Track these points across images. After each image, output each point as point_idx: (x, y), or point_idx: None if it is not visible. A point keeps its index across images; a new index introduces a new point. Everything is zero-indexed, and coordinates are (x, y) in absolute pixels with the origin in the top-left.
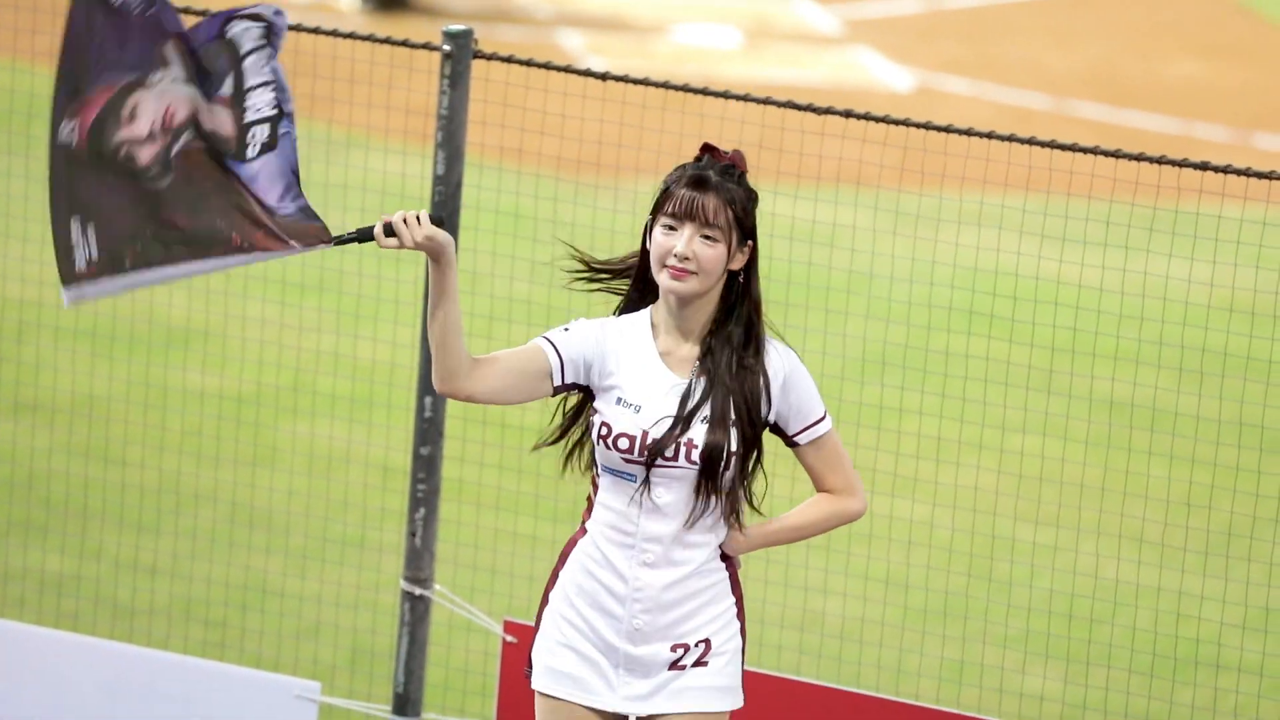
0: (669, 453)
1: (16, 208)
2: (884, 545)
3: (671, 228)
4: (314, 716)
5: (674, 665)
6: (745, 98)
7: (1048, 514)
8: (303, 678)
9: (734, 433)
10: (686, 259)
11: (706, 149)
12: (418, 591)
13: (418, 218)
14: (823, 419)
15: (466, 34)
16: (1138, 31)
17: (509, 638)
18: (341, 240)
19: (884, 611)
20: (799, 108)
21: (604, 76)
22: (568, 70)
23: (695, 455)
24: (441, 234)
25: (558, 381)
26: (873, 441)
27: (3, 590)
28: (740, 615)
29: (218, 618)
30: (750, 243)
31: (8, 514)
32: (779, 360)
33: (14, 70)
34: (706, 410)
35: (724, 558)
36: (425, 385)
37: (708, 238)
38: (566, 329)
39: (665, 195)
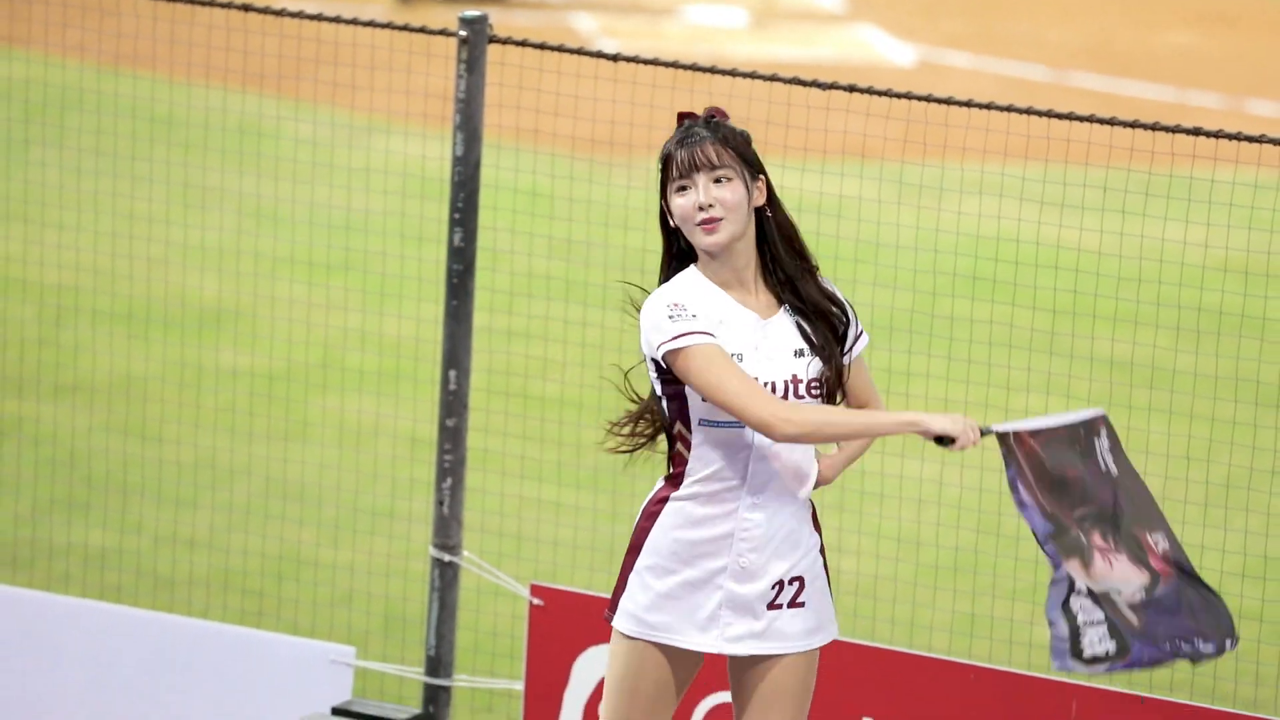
0: (779, 392)
1: (52, 197)
2: (896, 504)
3: (684, 188)
4: (349, 680)
5: (772, 604)
6: (753, 75)
7: None
8: (338, 643)
9: (827, 358)
10: (710, 206)
11: (683, 116)
12: (447, 558)
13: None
14: (861, 335)
15: (482, 19)
16: (1133, 3)
17: (536, 601)
18: None
19: (897, 569)
20: (805, 84)
21: (616, 58)
22: (581, 52)
23: (803, 389)
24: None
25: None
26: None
27: (48, 565)
28: (823, 549)
29: (255, 587)
30: (762, 176)
31: (51, 492)
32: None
33: (46, 64)
34: (802, 343)
35: None
36: (450, 359)
37: (720, 180)
38: (693, 315)
39: (666, 164)
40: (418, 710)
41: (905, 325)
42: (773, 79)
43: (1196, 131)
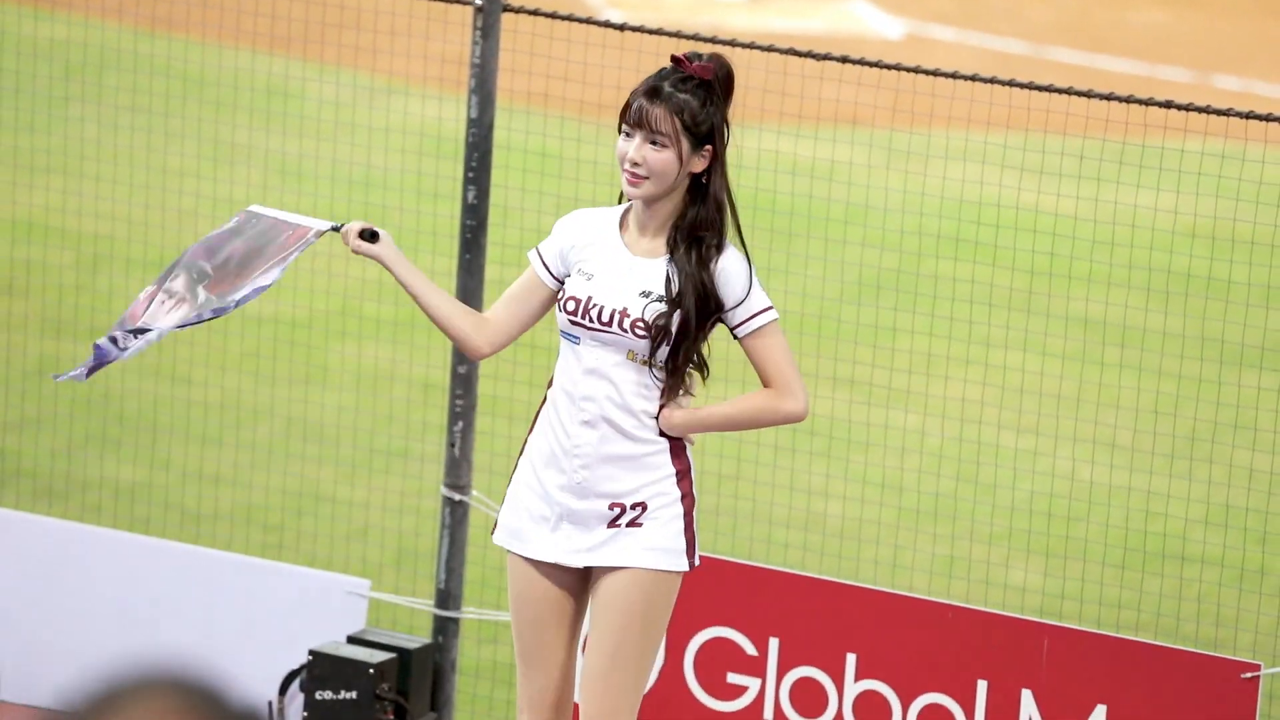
0: (605, 317)
1: (90, 150)
2: (880, 452)
3: (627, 134)
4: (364, 610)
5: (612, 523)
6: (751, 45)
7: (1028, 422)
8: (353, 575)
9: (675, 315)
10: (637, 164)
11: (674, 60)
12: (457, 497)
13: (358, 232)
14: (760, 313)
15: None
16: None
17: None
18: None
19: (880, 512)
20: (800, 54)
21: (622, 27)
22: (589, 22)
23: (627, 324)
24: (370, 248)
25: (549, 281)
26: (869, 358)
27: (81, 498)
28: (683, 484)
29: (275, 522)
30: (709, 146)
31: (85, 428)
32: (724, 258)
33: (86, 25)
34: (652, 289)
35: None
36: None
37: (655, 144)
38: (551, 233)
39: (625, 104)
40: (428, 640)
41: (891, 284)
42: (769, 49)
43: (1167, 104)
